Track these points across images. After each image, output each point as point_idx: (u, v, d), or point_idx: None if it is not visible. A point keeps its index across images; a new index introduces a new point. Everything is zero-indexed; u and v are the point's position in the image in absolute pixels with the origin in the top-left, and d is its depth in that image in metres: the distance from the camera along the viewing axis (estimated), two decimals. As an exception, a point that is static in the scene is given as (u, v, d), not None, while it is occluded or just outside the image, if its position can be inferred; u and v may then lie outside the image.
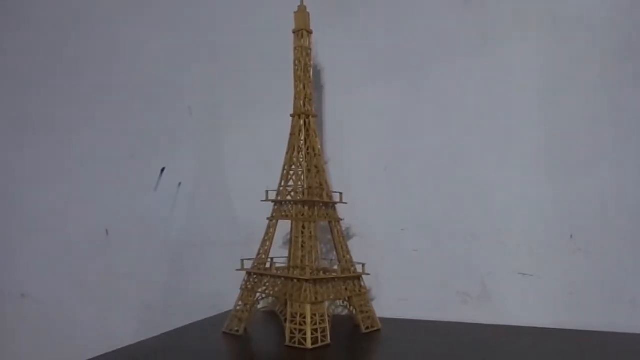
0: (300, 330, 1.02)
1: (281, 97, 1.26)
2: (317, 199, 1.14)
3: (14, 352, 1.76)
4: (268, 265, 1.18)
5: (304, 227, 1.11)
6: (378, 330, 1.17)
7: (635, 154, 1.19)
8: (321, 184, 1.17)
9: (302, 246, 1.11)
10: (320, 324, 1.04)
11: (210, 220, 1.56)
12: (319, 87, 1.42)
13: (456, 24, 1.33)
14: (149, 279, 1.60)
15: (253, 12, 1.53)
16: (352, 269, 1.18)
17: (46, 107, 1.79)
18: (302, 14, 1.20)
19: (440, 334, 1.17)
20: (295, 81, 1.19)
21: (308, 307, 1.03)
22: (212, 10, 1.58)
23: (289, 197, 1.16)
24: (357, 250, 1.23)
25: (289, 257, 1.24)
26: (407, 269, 1.34)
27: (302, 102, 1.18)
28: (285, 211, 1.16)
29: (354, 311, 1.17)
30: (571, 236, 1.22)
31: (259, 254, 1.18)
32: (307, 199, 1.13)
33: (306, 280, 1.05)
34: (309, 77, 1.19)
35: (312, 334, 1.01)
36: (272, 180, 1.20)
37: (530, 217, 1.26)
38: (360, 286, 1.18)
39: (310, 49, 1.20)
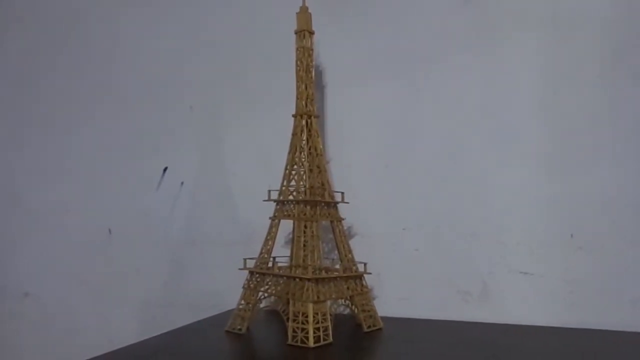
0: (303, 329, 1.02)
1: (282, 97, 1.26)
2: (319, 198, 1.15)
3: (16, 350, 1.76)
4: (270, 264, 1.18)
5: (306, 227, 1.12)
6: (380, 329, 1.17)
7: (635, 153, 1.20)
8: (323, 184, 1.17)
9: (304, 245, 1.11)
10: (322, 322, 1.04)
11: (211, 219, 1.56)
12: (319, 87, 1.42)
13: (456, 23, 1.34)
14: (150, 278, 1.60)
15: (254, 12, 1.53)
16: (354, 268, 1.19)
17: (46, 107, 1.79)
18: (303, 14, 1.20)
19: (441, 332, 1.17)
20: (297, 81, 1.19)
21: (310, 306, 1.03)
22: (213, 10, 1.58)
23: (291, 197, 1.16)
24: (359, 250, 1.23)
25: (291, 257, 1.25)
26: (408, 268, 1.34)
27: (304, 103, 1.18)
28: (287, 211, 1.17)
29: (356, 310, 1.17)
30: (572, 235, 1.23)
31: (261, 253, 1.18)
32: (309, 199, 1.13)
33: (308, 280, 1.05)
34: (311, 77, 1.20)
35: (314, 332, 1.02)
36: (273, 179, 1.20)
37: (531, 216, 1.27)
38: (362, 285, 1.19)
39: (312, 50, 1.21)
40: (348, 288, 1.15)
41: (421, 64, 1.37)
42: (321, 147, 1.19)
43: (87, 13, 1.76)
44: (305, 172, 1.15)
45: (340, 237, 1.19)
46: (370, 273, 1.19)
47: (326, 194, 1.17)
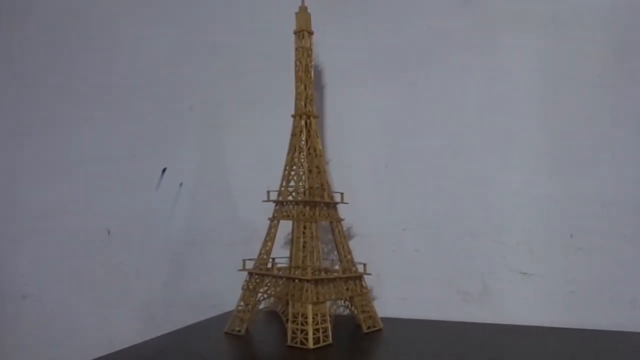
0: (302, 331, 1.02)
1: (282, 97, 1.26)
2: (319, 199, 1.15)
3: (15, 352, 1.76)
4: (269, 265, 1.18)
5: (305, 228, 1.12)
6: (379, 330, 1.17)
7: (635, 153, 1.19)
8: (322, 185, 1.17)
9: (304, 246, 1.11)
10: (321, 324, 1.04)
11: (211, 219, 1.56)
12: (319, 87, 1.42)
13: (456, 23, 1.33)
14: (150, 278, 1.60)
15: (253, 11, 1.53)
16: (354, 269, 1.19)
17: (46, 107, 1.79)
18: (303, 14, 1.20)
19: (441, 333, 1.17)
20: (297, 82, 1.19)
21: (310, 307, 1.03)
22: (213, 10, 1.58)
23: (290, 198, 1.16)
24: (358, 250, 1.23)
25: (290, 258, 1.25)
26: (408, 268, 1.34)
27: (303, 103, 1.18)
28: (286, 211, 1.16)
29: (356, 311, 1.17)
30: (571, 235, 1.23)
31: (260, 254, 1.18)
32: (309, 200, 1.13)
33: (307, 281, 1.05)
34: (310, 77, 1.19)
35: (313, 334, 1.02)
36: (272, 179, 1.20)
37: (531, 216, 1.26)
38: (362, 286, 1.19)
39: (311, 50, 1.20)
40: (347, 289, 1.15)
41: (421, 64, 1.36)
42: (320, 147, 1.19)
43: (87, 13, 1.76)
44: (304, 172, 1.15)
45: (340, 238, 1.19)
46: (369, 274, 1.19)
47: (325, 194, 1.17)
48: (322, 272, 1.17)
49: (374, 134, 1.40)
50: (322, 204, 1.16)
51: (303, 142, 1.17)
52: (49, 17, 1.81)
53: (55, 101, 1.78)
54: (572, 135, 1.24)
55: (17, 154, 1.82)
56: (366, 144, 1.40)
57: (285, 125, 1.21)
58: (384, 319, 1.20)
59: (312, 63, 1.21)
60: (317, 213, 1.14)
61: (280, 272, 1.15)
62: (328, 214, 1.18)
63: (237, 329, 1.14)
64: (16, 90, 1.84)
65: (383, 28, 1.40)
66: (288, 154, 1.18)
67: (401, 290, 1.34)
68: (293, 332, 1.03)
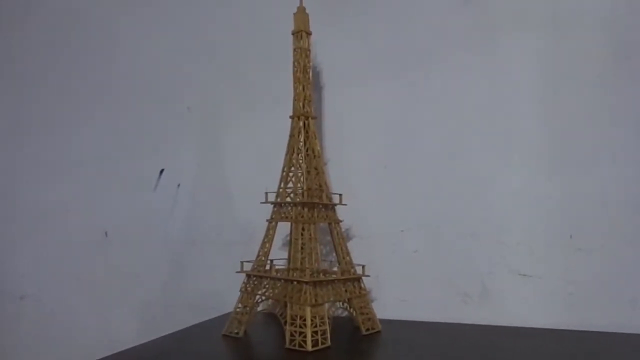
0: (301, 333, 1.02)
1: (281, 98, 1.26)
2: (317, 200, 1.14)
3: (14, 352, 1.76)
4: (268, 267, 1.18)
5: (303, 229, 1.11)
6: (378, 332, 1.17)
7: (635, 154, 1.19)
8: (321, 186, 1.17)
9: (302, 248, 1.10)
10: (320, 326, 1.03)
11: (211, 219, 1.56)
12: (318, 87, 1.41)
13: (456, 23, 1.33)
14: (150, 279, 1.60)
15: (252, 12, 1.52)
16: (352, 270, 1.18)
17: (46, 107, 1.79)
18: (301, 15, 1.19)
19: (440, 335, 1.17)
20: (295, 83, 1.19)
21: (308, 309, 1.03)
22: (212, 10, 1.58)
23: (288, 199, 1.15)
24: (357, 251, 1.23)
25: (288, 259, 1.25)
26: (407, 269, 1.34)
27: (301, 104, 1.18)
28: (284, 213, 1.16)
29: (354, 313, 1.17)
30: (571, 236, 1.22)
31: (258, 255, 1.18)
32: (307, 201, 1.12)
33: (306, 283, 1.05)
34: (309, 78, 1.19)
35: (312, 336, 1.01)
36: (271, 180, 1.19)
37: (531, 217, 1.26)
38: (361, 288, 1.18)
39: (309, 51, 1.20)
40: (346, 290, 1.15)
41: (421, 64, 1.36)
42: (319, 148, 1.19)
43: (87, 13, 1.75)
44: (302, 174, 1.15)
45: (338, 239, 1.19)
46: (368, 275, 1.19)
47: (324, 195, 1.17)
48: (321, 274, 1.17)
49: (373, 134, 1.39)
50: (321, 205, 1.16)
51: (301, 143, 1.17)
52: (49, 17, 1.81)
53: (55, 101, 1.78)
54: (572, 135, 1.23)
55: (16, 154, 1.82)
56: (365, 145, 1.39)
57: (284, 125, 1.20)
58: (383, 321, 1.19)
59: (310, 64, 1.21)
60: (315, 214, 1.14)
61: (279, 274, 1.15)
62: (326, 215, 1.18)
63: (235, 331, 1.14)
64: (16, 90, 1.84)
65: (383, 28, 1.39)
66: (286, 155, 1.18)
67: (400, 292, 1.33)
68: (291, 335, 1.03)
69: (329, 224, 1.19)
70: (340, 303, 1.21)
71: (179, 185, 1.58)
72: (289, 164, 1.17)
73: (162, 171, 1.60)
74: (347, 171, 1.38)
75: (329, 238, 1.24)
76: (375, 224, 1.36)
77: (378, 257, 1.31)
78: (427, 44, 1.36)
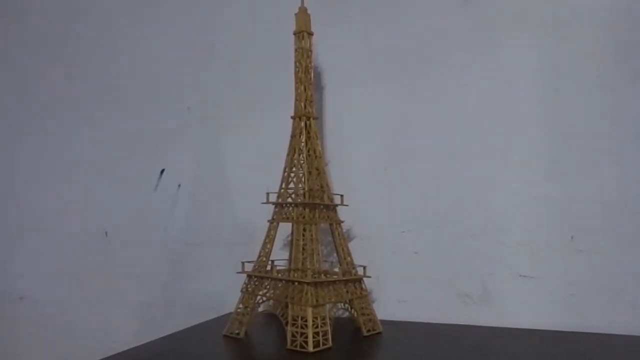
0: (302, 334, 1.02)
1: (281, 98, 1.26)
2: (318, 201, 1.14)
3: (13, 353, 1.76)
4: (269, 267, 1.18)
5: (304, 230, 1.11)
6: (379, 333, 1.17)
7: (635, 154, 1.19)
8: (322, 186, 1.17)
9: (303, 249, 1.10)
10: (321, 327, 1.03)
11: (211, 220, 1.55)
12: (319, 87, 1.41)
13: (456, 23, 1.33)
14: (149, 279, 1.60)
15: (253, 12, 1.52)
16: (353, 271, 1.18)
17: (46, 107, 1.79)
18: (302, 15, 1.19)
19: (441, 336, 1.17)
20: (296, 83, 1.19)
21: (309, 310, 1.03)
22: (212, 10, 1.57)
23: (289, 200, 1.15)
24: (358, 252, 1.23)
25: (289, 260, 1.25)
26: (407, 270, 1.34)
27: (302, 104, 1.18)
28: (286, 213, 1.16)
29: (355, 314, 1.17)
30: (572, 237, 1.22)
31: (259, 256, 1.18)
32: (308, 202, 1.12)
33: (307, 283, 1.05)
34: (310, 78, 1.19)
35: (313, 337, 1.01)
36: (272, 181, 1.19)
37: (531, 218, 1.26)
38: (362, 288, 1.18)
39: (310, 51, 1.20)
40: (347, 291, 1.15)
41: (421, 64, 1.36)
42: (320, 149, 1.19)
43: (87, 13, 1.75)
44: (304, 174, 1.15)
45: (340, 240, 1.19)
46: (369, 276, 1.19)
47: (325, 196, 1.17)
48: (322, 275, 1.17)
49: (374, 134, 1.39)
50: (322, 206, 1.16)
51: (303, 144, 1.17)
52: (49, 17, 1.80)
53: (55, 101, 1.77)
54: (572, 135, 1.24)
55: (16, 154, 1.82)
56: (366, 145, 1.39)
57: (285, 126, 1.20)
58: (384, 322, 1.19)
59: (312, 64, 1.20)
60: (316, 215, 1.14)
61: (280, 275, 1.15)
62: (328, 216, 1.18)
63: (236, 331, 1.13)
64: (16, 90, 1.84)
65: (383, 28, 1.39)
66: (287, 155, 1.18)
67: (400, 293, 1.33)
68: (293, 335, 1.03)
69: (330, 224, 1.19)
70: (342, 304, 1.21)
71: (179, 185, 1.58)
72: (290, 164, 1.17)
73: (162, 171, 1.60)
74: (348, 172, 1.38)
75: (329, 239, 1.24)
76: (376, 224, 1.36)
77: (378, 258, 1.31)
78: (427, 44, 1.36)
